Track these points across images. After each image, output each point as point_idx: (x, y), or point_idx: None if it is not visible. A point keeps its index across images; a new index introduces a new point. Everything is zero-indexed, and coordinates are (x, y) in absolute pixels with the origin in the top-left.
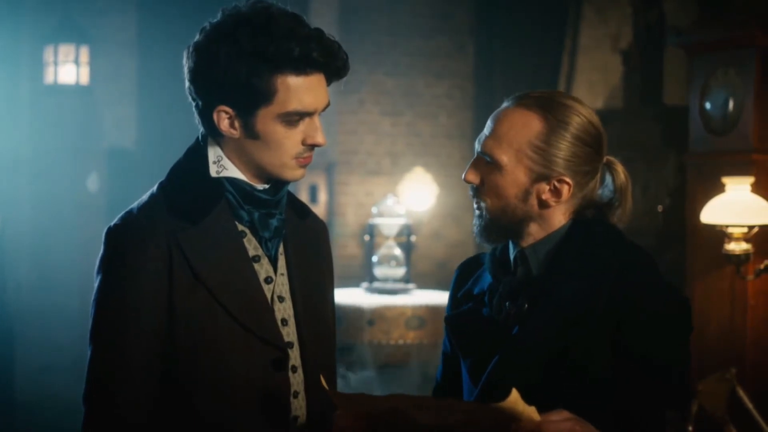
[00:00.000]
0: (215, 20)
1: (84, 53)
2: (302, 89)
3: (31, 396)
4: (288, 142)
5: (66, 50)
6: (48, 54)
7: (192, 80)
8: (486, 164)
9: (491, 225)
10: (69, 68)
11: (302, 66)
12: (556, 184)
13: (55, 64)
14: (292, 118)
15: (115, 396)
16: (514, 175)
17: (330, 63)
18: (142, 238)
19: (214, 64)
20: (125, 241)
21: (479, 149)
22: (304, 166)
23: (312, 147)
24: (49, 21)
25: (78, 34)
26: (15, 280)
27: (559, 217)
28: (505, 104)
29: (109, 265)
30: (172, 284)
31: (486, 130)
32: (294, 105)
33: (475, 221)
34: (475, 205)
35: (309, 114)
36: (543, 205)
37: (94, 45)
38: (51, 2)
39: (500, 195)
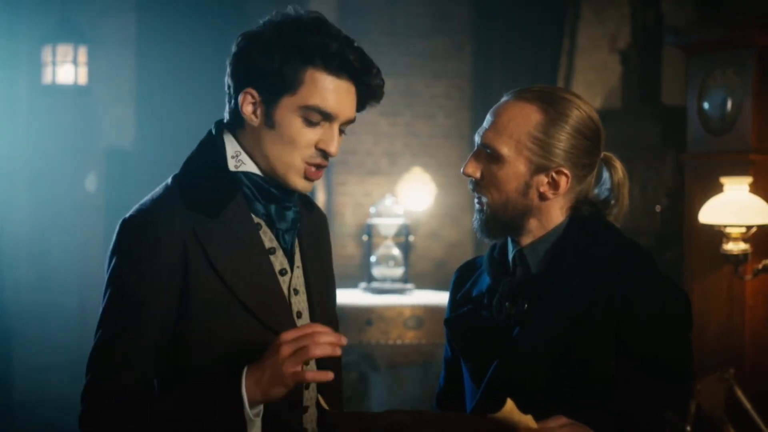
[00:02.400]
0: (269, 17)
1: (82, 53)
2: (329, 89)
3: (30, 396)
4: (302, 139)
5: (64, 50)
6: (46, 54)
7: (231, 63)
8: (486, 157)
9: (492, 220)
10: (67, 68)
11: (335, 65)
12: (554, 175)
13: (54, 64)
14: (311, 116)
15: (122, 368)
16: (515, 166)
17: (363, 72)
18: (157, 231)
19: (254, 47)
20: (140, 234)
21: (479, 141)
22: (309, 178)
23: (324, 156)
24: (47, 21)
25: (76, 34)
26: (13, 280)
27: (556, 212)
28: (505, 98)
29: (122, 255)
30: (188, 278)
31: (486, 123)
32: (316, 100)
33: (476, 216)
34: (475, 200)
35: (329, 117)
36: (542, 197)
37: (92, 45)
38: (49, 2)
39: (501, 189)
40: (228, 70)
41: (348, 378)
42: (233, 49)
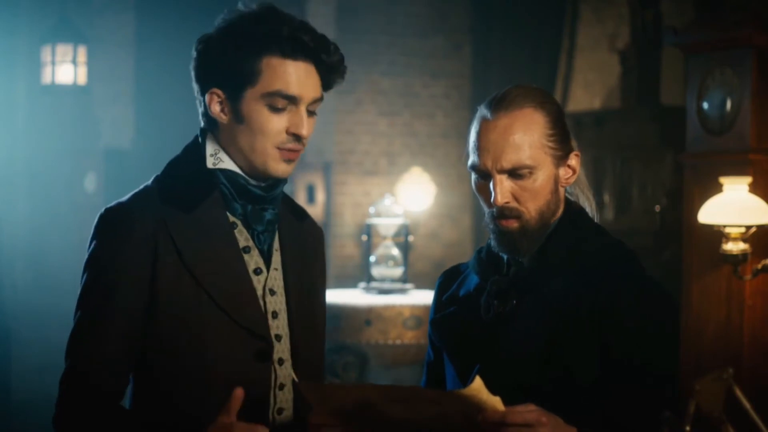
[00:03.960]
0: (224, 17)
1: (81, 53)
2: (287, 72)
3: (28, 396)
4: (271, 126)
5: (63, 50)
6: (45, 54)
7: (193, 67)
8: (514, 178)
9: (532, 232)
10: (66, 68)
11: (289, 49)
12: (569, 161)
13: (53, 64)
14: (276, 102)
15: (92, 357)
16: (545, 171)
17: (319, 50)
18: (129, 219)
19: (210, 48)
20: (113, 221)
21: (498, 168)
22: (288, 160)
23: (297, 139)
24: (46, 21)
25: (75, 34)
26: (11, 280)
27: (561, 202)
28: (490, 117)
29: (97, 243)
30: (156, 268)
31: (486, 152)
32: (277, 85)
33: (501, 238)
34: (499, 226)
35: (294, 99)
36: (563, 186)
37: (91, 45)
38: (48, 2)
39: (538, 197)
40: (192, 75)
41: (347, 378)
42: (193, 53)
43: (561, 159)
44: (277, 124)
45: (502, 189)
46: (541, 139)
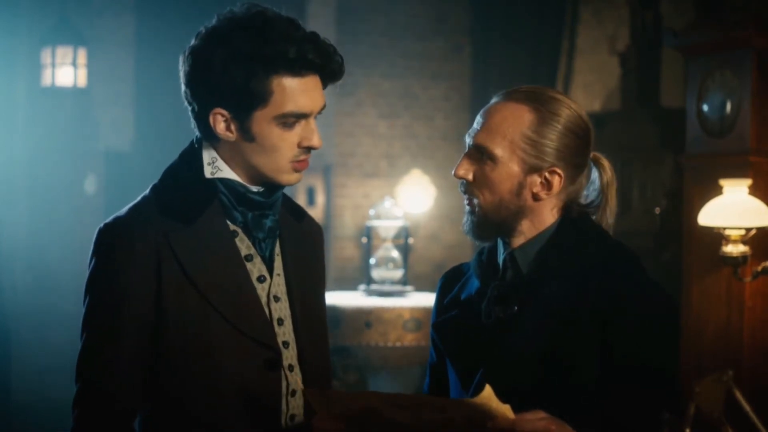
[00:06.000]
0: (211, 24)
1: (81, 55)
2: (298, 91)
3: (28, 397)
4: (284, 144)
5: (63, 52)
6: (45, 56)
7: (188, 84)
8: (478, 158)
9: (484, 222)
10: (66, 70)
11: (298, 67)
12: (547, 175)
13: (53, 66)
14: (288, 120)
15: (104, 375)
16: (508, 167)
17: (325, 64)
18: (130, 236)
19: (210, 67)
20: (113, 239)
21: (471, 142)
22: (299, 170)
23: (308, 150)
24: (46, 22)
25: (75, 36)
26: (11, 282)
27: (548, 213)
28: (495, 99)
29: (98, 262)
30: (161, 283)
31: (477, 125)
32: (290, 107)
33: (466, 218)
34: (466, 202)
35: (305, 116)
36: (535, 198)
37: (91, 46)
38: (48, 3)
39: (494, 189)
40: (184, 89)
41: (347, 380)
42: (184, 67)
43: (533, 167)
44: (289, 140)
45: (464, 162)
46: (515, 136)
